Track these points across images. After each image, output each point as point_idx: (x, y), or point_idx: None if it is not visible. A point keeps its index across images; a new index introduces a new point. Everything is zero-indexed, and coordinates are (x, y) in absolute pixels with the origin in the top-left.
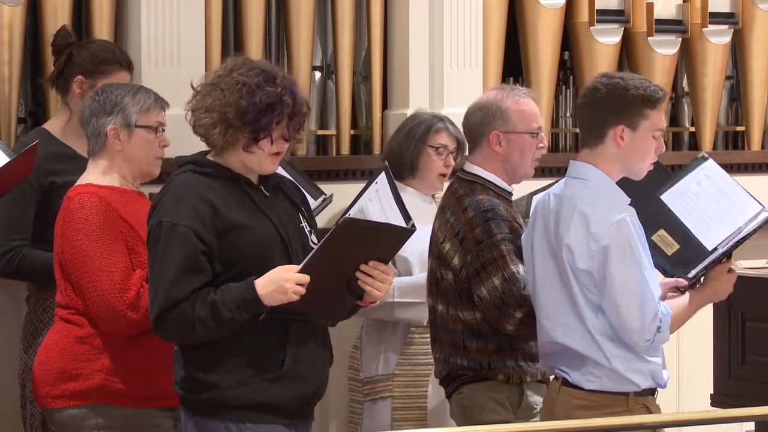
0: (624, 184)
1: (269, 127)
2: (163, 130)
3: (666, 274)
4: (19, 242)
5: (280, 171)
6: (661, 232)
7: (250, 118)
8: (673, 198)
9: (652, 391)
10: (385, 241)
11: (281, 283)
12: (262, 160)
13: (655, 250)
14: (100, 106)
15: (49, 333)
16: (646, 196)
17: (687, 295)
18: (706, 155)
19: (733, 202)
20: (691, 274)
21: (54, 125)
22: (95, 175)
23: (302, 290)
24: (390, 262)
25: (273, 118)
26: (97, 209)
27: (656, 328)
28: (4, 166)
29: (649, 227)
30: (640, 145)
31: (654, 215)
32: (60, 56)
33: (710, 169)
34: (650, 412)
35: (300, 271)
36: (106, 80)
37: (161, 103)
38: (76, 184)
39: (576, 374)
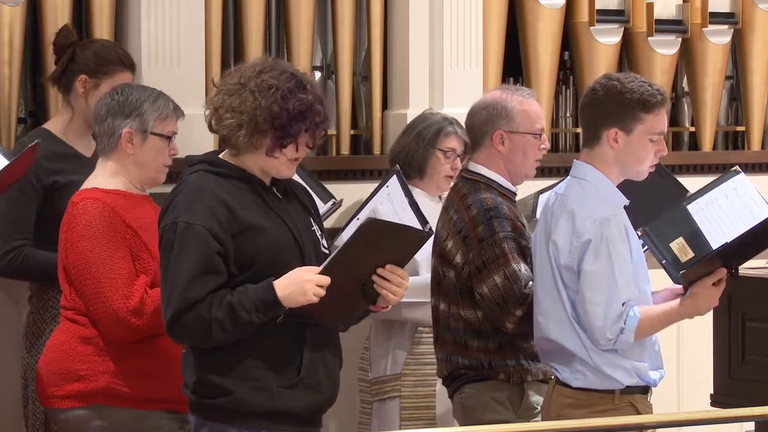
0: (629, 189)
1: (298, 134)
2: (174, 139)
3: (676, 281)
4: (21, 242)
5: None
6: (680, 239)
7: (280, 124)
8: (698, 208)
9: (643, 390)
10: (403, 244)
11: (301, 284)
12: (282, 164)
13: (671, 256)
14: (118, 107)
15: (54, 333)
16: (651, 201)
17: (667, 303)
18: (739, 169)
19: (755, 215)
20: (682, 270)
21: (55, 125)
22: (103, 177)
23: (322, 292)
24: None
25: (303, 125)
26: (100, 215)
27: (619, 329)
28: (5, 168)
29: (671, 234)
30: (636, 149)
31: (677, 223)
32: (62, 55)
33: (740, 183)
34: (637, 411)
35: (321, 272)
36: (110, 80)
37: (178, 113)
38: (83, 187)
39: (566, 372)
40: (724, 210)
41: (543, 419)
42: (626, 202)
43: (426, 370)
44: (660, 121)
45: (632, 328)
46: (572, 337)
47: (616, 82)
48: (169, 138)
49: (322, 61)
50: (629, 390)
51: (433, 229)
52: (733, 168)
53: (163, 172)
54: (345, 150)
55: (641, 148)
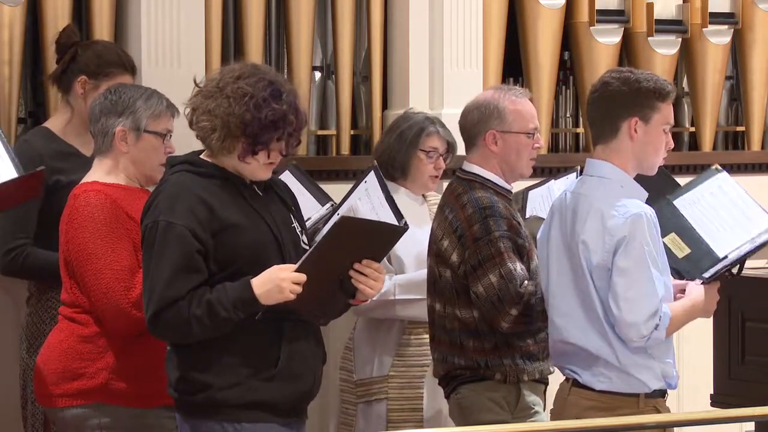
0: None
1: (270, 142)
2: (171, 137)
3: (677, 276)
4: (23, 241)
5: (286, 174)
6: (673, 235)
7: (251, 131)
8: (685, 204)
9: (662, 393)
10: (379, 240)
11: (278, 282)
12: (256, 169)
13: (666, 251)
14: (111, 106)
15: (52, 332)
16: (651, 197)
17: (688, 299)
18: (720, 167)
19: (745, 214)
20: (707, 274)
21: (55, 123)
22: (99, 174)
23: (299, 289)
24: (386, 261)
25: (275, 134)
26: (102, 207)
27: (654, 326)
28: (2, 184)
29: (662, 229)
30: (654, 138)
31: (667, 218)
32: (64, 54)
33: (724, 181)
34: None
35: (297, 270)
36: (110, 82)
37: (172, 110)
38: (82, 181)
39: (587, 375)
40: (713, 207)
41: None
42: (646, 195)
43: (413, 371)
44: (671, 112)
45: (665, 325)
46: (598, 339)
47: (628, 73)
48: (163, 136)
49: (322, 61)
50: (653, 394)
51: (418, 228)
52: (714, 166)
53: (159, 171)
54: (345, 150)
55: (657, 138)
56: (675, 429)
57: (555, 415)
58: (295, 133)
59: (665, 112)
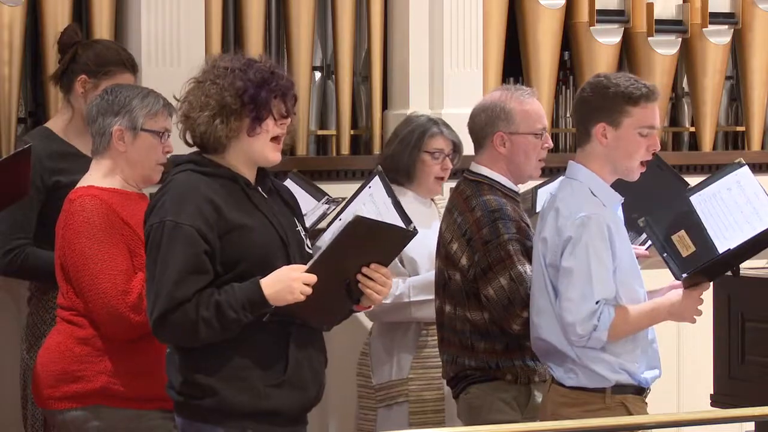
0: (629, 184)
1: (268, 102)
2: (169, 136)
3: (677, 276)
4: (23, 241)
5: (288, 182)
6: (682, 233)
7: (249, 96)
8: (701, 200)
9: (639, 390)
10: (387, 243)
11: (289, 282)
12: (267, 146)
13: (672, 250)
14: (108, 106)
15: (50, 334)
16: (651, 194)
17: (652, 302)
18: (742, 161)
19: (757, 211)
20: (685, 274)
21: (56, 123)
22: (97, 176)
23: (309, 290)
24: (398, 263)
25: (270, 91)
26: (98, 211)
27: (592, 327)
28: None
29: (672, 227)
30: (625, 143)
31: (679, 215)
32: (65, 54)
33: (743, 176)
34: (629, 411)
35: (308, 271)
36: (110, 81)
37: (169, 109)
38: (78, 185)
39: (559, 371)
40: (726, 204)
41: (540, 418)
42: (620, 200)
43: (432, 373)
44: (648, 115)
45: (605, 327)
46: (560, 335)
47: (603, 78)
48: (160, 134)
49: (322, 61)
50: (620, 389)
51: (428, 230)
52: (737, 160)
53: (158, 171)
54: (345, 150)
55: (630, 142)
56: (675, 429)
57: (540, 412)
58: (287, 88)
59: (639, 116)
